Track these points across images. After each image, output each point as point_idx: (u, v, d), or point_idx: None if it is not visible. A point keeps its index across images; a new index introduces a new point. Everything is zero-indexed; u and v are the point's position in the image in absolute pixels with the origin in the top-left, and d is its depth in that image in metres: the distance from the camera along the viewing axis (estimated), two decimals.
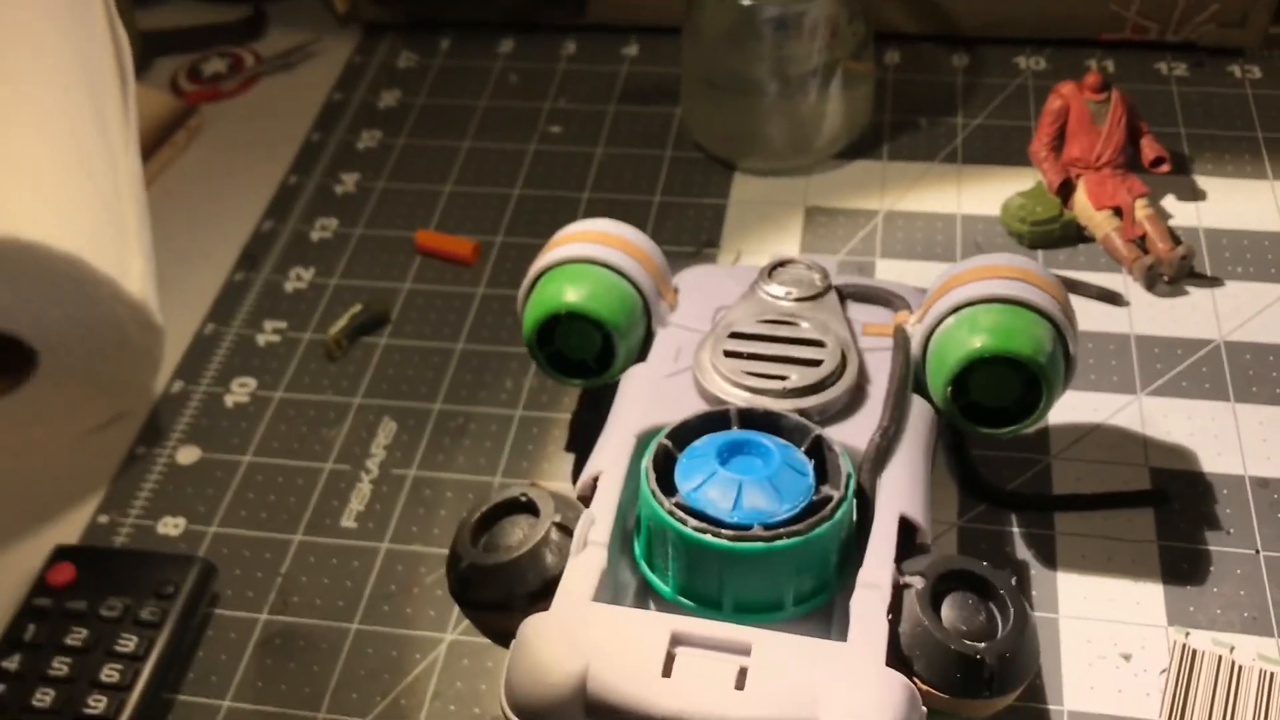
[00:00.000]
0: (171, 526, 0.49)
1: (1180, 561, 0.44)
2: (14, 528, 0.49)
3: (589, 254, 0.45)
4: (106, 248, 0.46)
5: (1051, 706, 0.41)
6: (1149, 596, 0.43)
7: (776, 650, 0.33)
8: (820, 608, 0.37)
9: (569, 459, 0.50)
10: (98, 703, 0.41)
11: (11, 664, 0.43)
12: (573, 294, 0.44)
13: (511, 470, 0.50)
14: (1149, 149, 0.56)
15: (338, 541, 0.48)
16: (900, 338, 0.43)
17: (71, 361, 0.48)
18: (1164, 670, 0.41)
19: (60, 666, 0.42)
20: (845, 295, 0.46)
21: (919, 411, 0.42)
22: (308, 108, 0.69)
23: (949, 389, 0.41)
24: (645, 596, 0.38)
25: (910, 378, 0.42)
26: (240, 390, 0.54)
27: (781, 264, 0.46)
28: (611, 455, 0.40)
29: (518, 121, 0.66)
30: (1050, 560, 0.45)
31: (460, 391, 0.53)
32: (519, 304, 0.46)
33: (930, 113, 0.64)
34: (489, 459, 0.50)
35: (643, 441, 0.40)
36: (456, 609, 0.45)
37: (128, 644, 0.43)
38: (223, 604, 0.46)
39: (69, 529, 0.49)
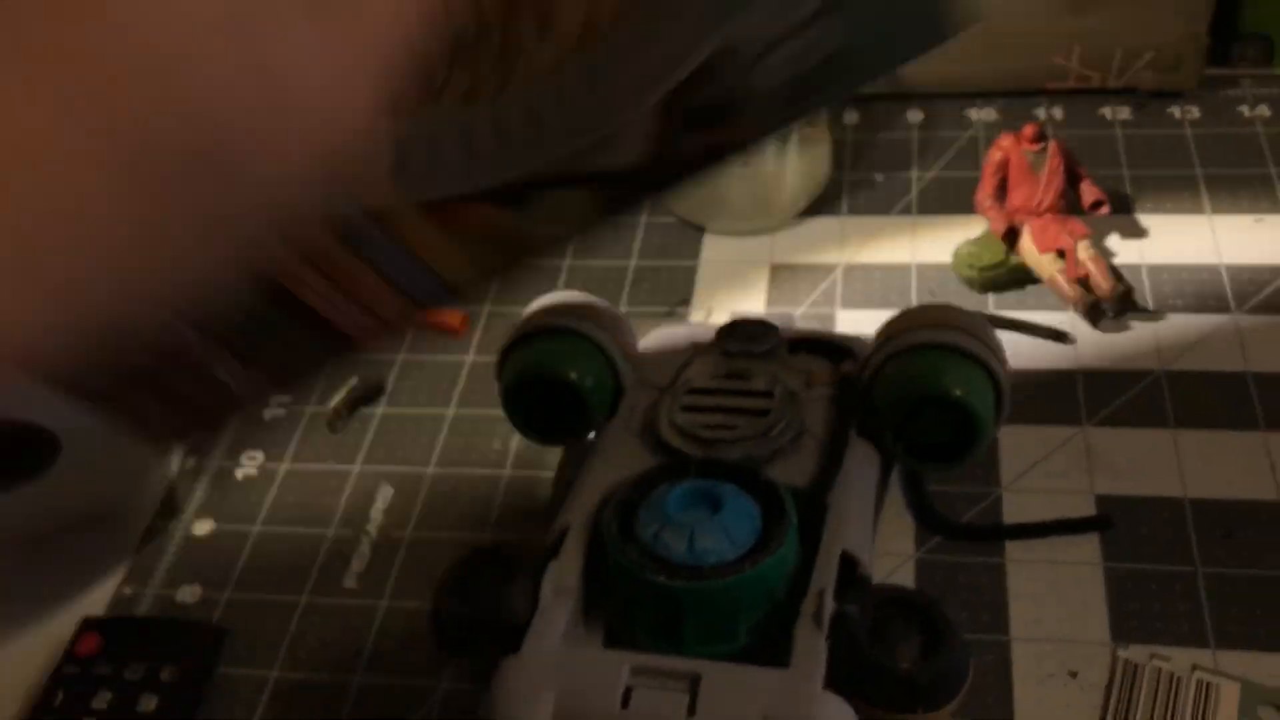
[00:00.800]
0: (189, 594, 0.53)
1: (1124, 581, 0.47)
2: (37, 611, 0.53)
3: (557, 323, 0.49)
4: None
5: None
6: (1094, 616, 0.46)
7: (724, 679, 0.37)
8: (771, 638, 0.40)
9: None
10: None
11: None
12: (544, 360, 0.48)
13: (503, 527, 0.53)
14: (1088, 193, 0.60)
15: (341, 601, 0.51)
16: (844, 386, 0.47)
17: (91, 444, 0.52)
18: (1108, 684, 0.44)
19: None
20: (795, 348, 0.49)
21: (863, 453, 0.45)
22: None
23: (890, 431, 0.45)
24: (612, 638, 0.42)
25: (852, 423, 0.46)
26: (249, 463, 0.58)
27: (737, 323, 0.50)
28: (578, 508, 0.44)
29: None
30: (1001, 587, 0.48)
31: (453, 455, 0.57)
32: (495, 373, 0.50)
33: (887, 168, 0.67)
34: (480, 517, 0.54)
35: (607, 495, 0.44)
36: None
37: (149, 704, 0.47)
38: (237, 663, 0.50)
39: (97, 601, 0.53)
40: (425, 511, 0.54)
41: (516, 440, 0.57)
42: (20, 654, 0.51)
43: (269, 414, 0.60)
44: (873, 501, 0.44)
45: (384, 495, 0.55)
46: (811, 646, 0.37)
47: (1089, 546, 0.49)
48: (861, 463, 0.45)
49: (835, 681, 0.37)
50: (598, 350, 0.49)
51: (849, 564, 0.41)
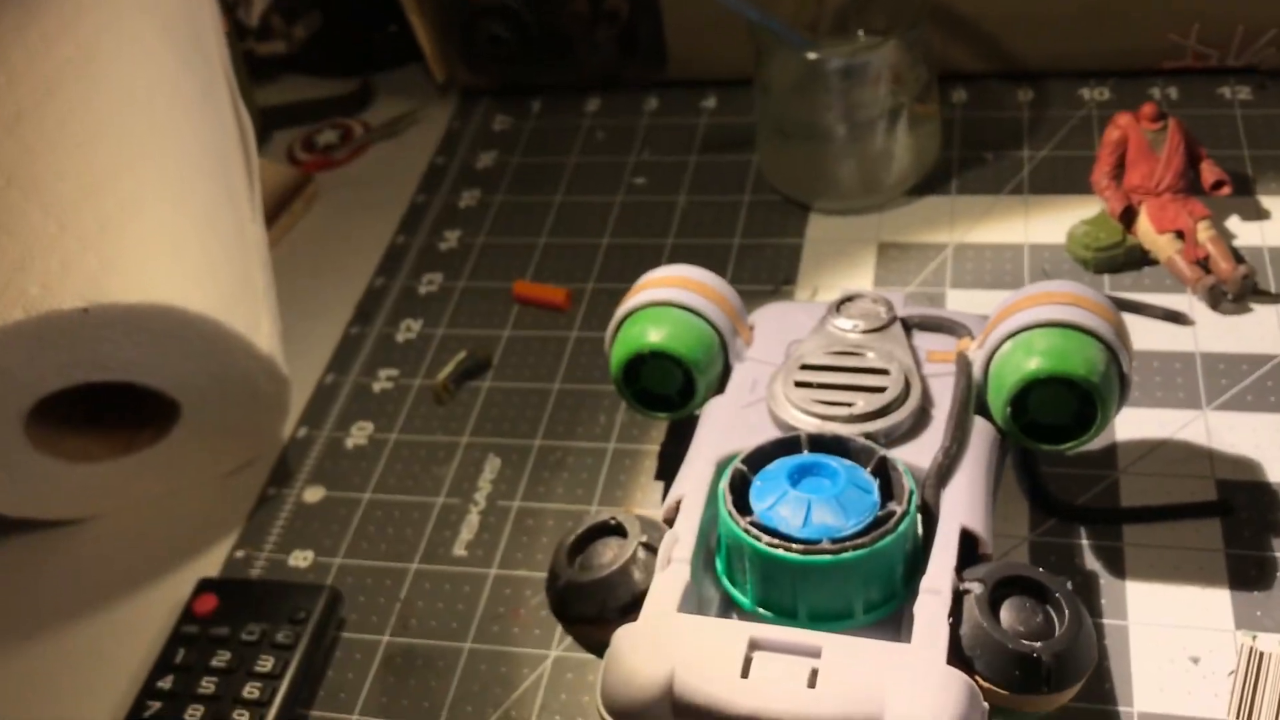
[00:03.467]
0: (301, 559, 0.54)
1: (1247, 569, 0.46)
2: (163, 564, 0.55)
3: (668, 298, 0.49)
4: (238, 309, 0.51)
5: (1122, 708, 0.43)
6: (1216, 602, 0.45)
7: (845, 652, 0.36)
8: (888, 616, 0.40)
9: (659, 487, 0.54)
10: (240, 717, 0.46)
11: (165, 684, 0.48)
12: (654, 335, 0.48)
13: (607, 499, 0.53)
14: (1209, 173, 0.58)
15: (450, 569, 0.52)
16: (962, 363, 0.46)
17: (209, 412, 0.54)
18: (1232, 672, 0.43)
19: (207, 685, 0.47)
20: (910, 325, 0.49)
21: (981, 431, 0.44)
22: (412, 172, 0.74)
23: (1008, 409, 0.44)
24: (727, 609, 0.42)
25: (972, 400, 0.45)
26: (359, 434, 0.59)
27: (849, 298, 0.50)
28: (692, 480, 0.44)
29: (605, 175, 0.71)
30: (1119, 570, 0.47)
31: (558, 428, 0.57)
32: (606, 345, 0.50)
33: (997, 147, 0.66)
34: (586, 489, 0.54)
35: (721, 467, 0.44)
36: (559, 627, 0.49)
37: (265, 664, 0.48)
38: (349, 627, 0.51)
39: (210, 563, 0.54)
40: (532, 482, 0.55)
41: (621, 414, 0.57)
42: (141, 612, 0.53)
43: (378, 386, 0.61)
44: (991, 480, 0.44)
45: (491, 466, 0.56)
46: (934, 622, 0.37)
47: (1210, 532, 0.47)
48: (979, 441, 0.44)
49: (957, 660, 0.36)
50: (708, 325, 0.49)
51: (969, 541, 0.40)
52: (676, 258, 0.64)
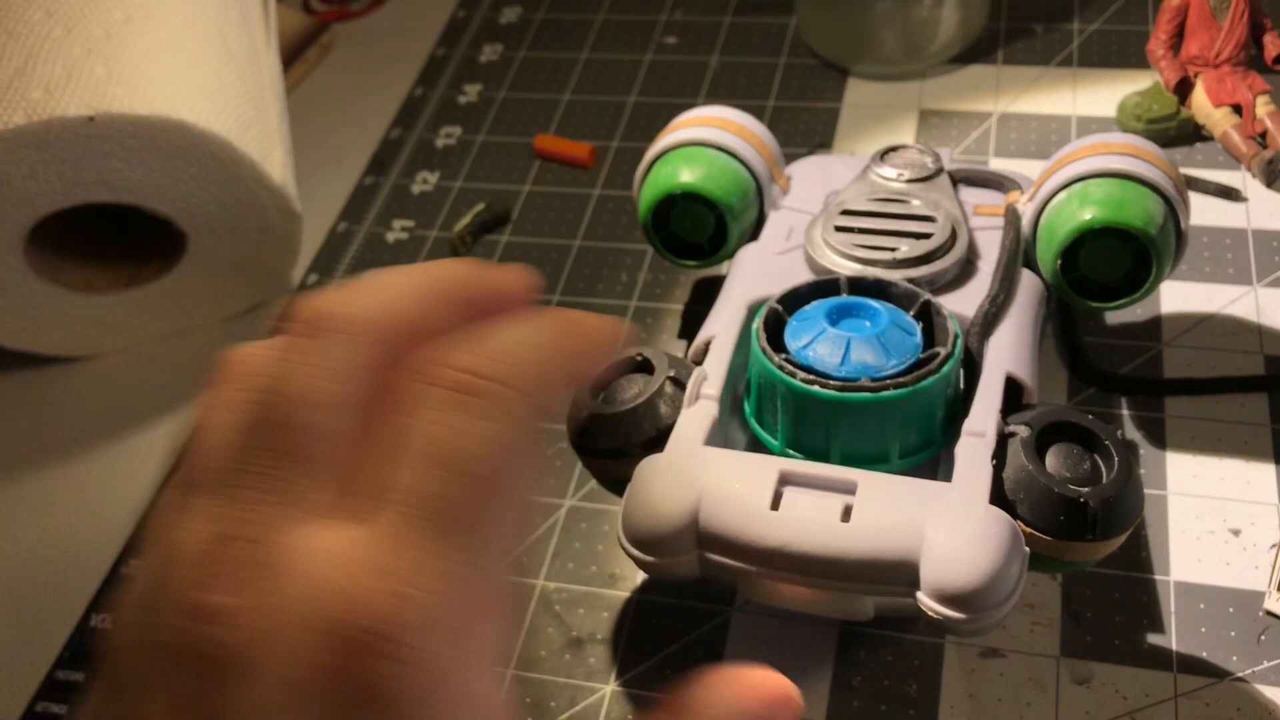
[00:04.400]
0: None
1: None
2: (163, 405, 0.53)
3: (703, 137, 0.47)
4: (251, 133, 0.49)
5: (1158, 576, 0.41)
6: (1260, 476, 0.43)
7: (882, 488, 0.35)
8: (924, 463, 0.38)
9: (681, 346, 0.51)
10: None
11: None
12: (687, 175, 0.46)
13: None
14: (1272, 45, 0.55)
15: None
16: (1011, 215, 0.44)
17: (217, 245, 0.51)
18: (1274, 545, 0.42)
19: None
20: (958, 179, 0.47)
21: (1028, 283, 0.42)
22: (433, 25, 0.71)
23: (1059, 262, 0.42)
24: (755, 451, 0.40)
25: (1020, 252, 0.43)
26: None
27: (894, 149, 0.47)
28: (724, 321, 0.42)
29: (633, 33, 0.68)
30: (1160, 441, 0.45)
31: (578, 284, 0.55)
32: (635, 188, 0.48)
33: (1046, 19, 0.63)
34: None
35: (754, 310, 0.42)
36: (575, 478, 0.47)
37: None
38: None
39: None
40: None
41: (644, 273, 0.55)
42: (141, 450, 0.51)
43: (392, 236, 0.59)
44: (1037, 334, 0.41)
45: None
46: (976, 462, 0.35)
47: (1257, 407, 0.45)
48: (1026, 293, 0.42)
49: (999, 503, 0.35)
50: (744, 168, 0.47)
51: (1014, 391, 0.39)
52: None
